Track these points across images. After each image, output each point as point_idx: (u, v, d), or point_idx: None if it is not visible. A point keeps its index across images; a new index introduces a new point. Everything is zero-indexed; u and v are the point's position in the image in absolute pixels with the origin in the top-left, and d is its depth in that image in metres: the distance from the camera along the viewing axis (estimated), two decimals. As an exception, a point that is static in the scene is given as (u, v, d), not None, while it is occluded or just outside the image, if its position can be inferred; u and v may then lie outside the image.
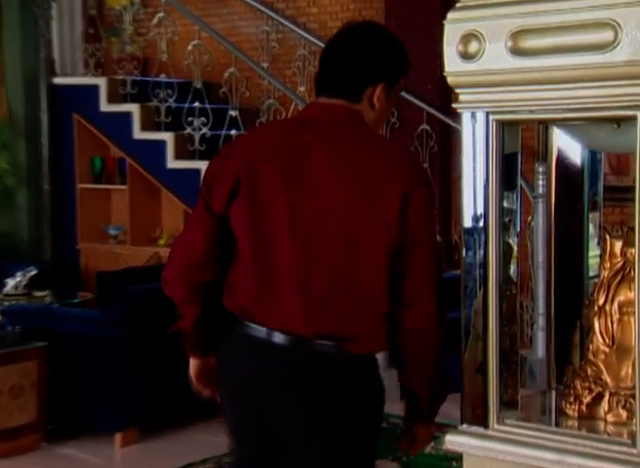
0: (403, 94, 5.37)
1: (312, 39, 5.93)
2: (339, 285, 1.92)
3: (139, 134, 6.04)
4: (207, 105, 5.93)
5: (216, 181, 2.00)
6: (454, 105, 1.72)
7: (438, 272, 1.97)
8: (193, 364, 2.16)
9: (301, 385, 1.95)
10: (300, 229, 1.93)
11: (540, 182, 1.96)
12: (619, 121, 1.64)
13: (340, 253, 1.92)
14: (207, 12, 6.74)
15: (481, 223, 1.72)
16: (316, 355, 1.93)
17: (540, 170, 1.94)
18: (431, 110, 5.24)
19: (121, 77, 6.12)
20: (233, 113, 5.85)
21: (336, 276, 1.93)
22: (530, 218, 2.60)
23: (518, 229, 1.78)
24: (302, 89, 5.97)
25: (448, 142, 5.58)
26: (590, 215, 1.95)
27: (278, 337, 1.94)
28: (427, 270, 1.94)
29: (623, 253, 1.69)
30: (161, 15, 6.09)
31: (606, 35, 1.50)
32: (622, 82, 1.51)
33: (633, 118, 1.53)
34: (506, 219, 1.75)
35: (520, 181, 1.79)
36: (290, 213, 1.93)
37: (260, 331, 1.96)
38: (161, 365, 4.09)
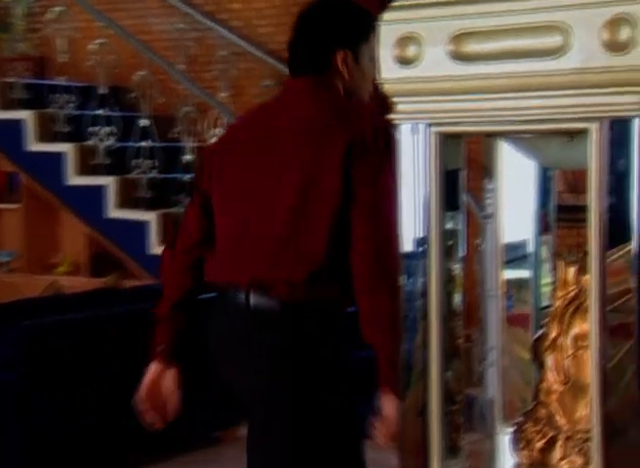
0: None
1: (235, 38, 5.96)
2: (284, 244, 2.43)
3: (33, 145, 5.97)
4: (114, 113, 5.89)
5: (205, 162, 2.62)
6: (390, 116, 1.75)
7: (384, 243, 2.33)
8: (149, 374, 2.53)
9: (244, 342, 2.46)
10: (251, 196, 2.49)
11: (489, 201, 2.00)
12: (571, 134, 1.68)
13: (290, 222, 2.43)
14: (113, 6, 6.72)
15: (422, 247, 1.75)
16: (255, 309, 2.43)
17: (489, 187, 1.98)
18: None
19: (11, 79, 6.05)
20: (144, 122, 5.83)
21: (282, 242, 2.43)
22: (478, 241, 2.64)
23: (463, 253, 1.81)
24: (224, 94, 5.99)
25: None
26: (543, 238, 2.00)
27: (232, 295, 2.47)
28: (364, 233, 2.34)
29: (578, 281, 1.73)
30: (59, 8, 6.05)
31: (555, 40, 1.54)
32: (573, 91, 1.56)
33: (585, 131, 1.58)
34: (450, 243, 1.78)
35: (466, 200, 1.82)
36: (246, 190, 2.50)
37: (219, 288, 2.53)
38: (66, 408, 4.03)
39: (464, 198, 1.83)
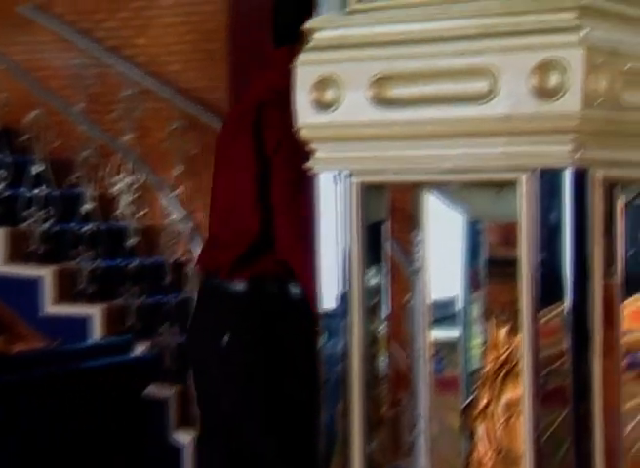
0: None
1: (140, 76, 5.97)
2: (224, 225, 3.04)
3: None
4: (3, 157, 5.83)
5: None
6: (308, 164, 1.78)
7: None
8: None
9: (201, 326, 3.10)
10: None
11: (417, 255, 2.03)
12: (500, 185, 1.72)
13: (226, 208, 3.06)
14: (3, 39, 6.66)
15: (342, 306, 1.76)
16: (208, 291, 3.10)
17: (416, 241, 2.02)
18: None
19: None
20: (38, 167, 5.77)
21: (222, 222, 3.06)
22: (406, 298, 2.66)
23: (388, 312, 1.83)
24: (128, 137, 5.98)
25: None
26: (473, 295, 2.03)
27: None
28: (280, 199, 2.88)
29: (510, 342, 1.76)
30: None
31: (481, 85, 1.59)
32: (501, 139, 1.60)
33: (515, 182, 1.62)
34: (374, 301, 1.80)
35: (392, 254, 1.85)
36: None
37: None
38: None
39: (390, 252, 1.85)
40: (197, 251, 4.70)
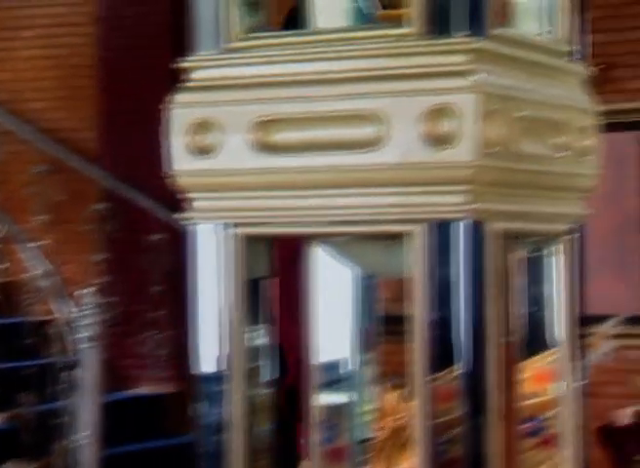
0: (127, 193, 5.45)
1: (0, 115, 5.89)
2: None
3: None
4: None
5: None
6: (184, 215, 1.78)
7: None
8: None
9: None
10: None
11: (305, 313, 2.04)
12: (392, 237, 1.75)
13: None
14: None
15: (221, 369, 1.75)
16: None
17: (304, 297, 2.03)
18: (165, 216, 5.31)
19: None
20: None
21: None
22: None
23: (275, 374, 1.83)
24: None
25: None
26: (365, 356, 2.05)
27: None
28: None
29: (402, 408, 1.78)
30: None
31: (369, 131, 1.61)
32: (392, 189, 1.63)
33: (407, 234, 1.65)
34: (257, 363, 1.80)
35: (278, 312, 1.86)
36: None
37: None
38: None
39: (275, 309, 1.85)
40: (64, 308, 4.63)
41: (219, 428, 1.74)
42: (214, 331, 1.78)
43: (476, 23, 1.60)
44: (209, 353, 1.79)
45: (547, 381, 1.90)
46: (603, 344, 4.95)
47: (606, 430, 4.76)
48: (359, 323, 2.07)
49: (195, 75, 1.75)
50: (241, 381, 1.76)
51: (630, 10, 5.52)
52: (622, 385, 5.23)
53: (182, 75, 1.75)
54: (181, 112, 1.74)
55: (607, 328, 5.00)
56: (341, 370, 2.09)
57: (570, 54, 1.86)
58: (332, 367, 2.07)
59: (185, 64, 1.76)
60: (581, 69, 1.89)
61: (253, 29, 1.75)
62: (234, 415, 1.75)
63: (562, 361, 1.88)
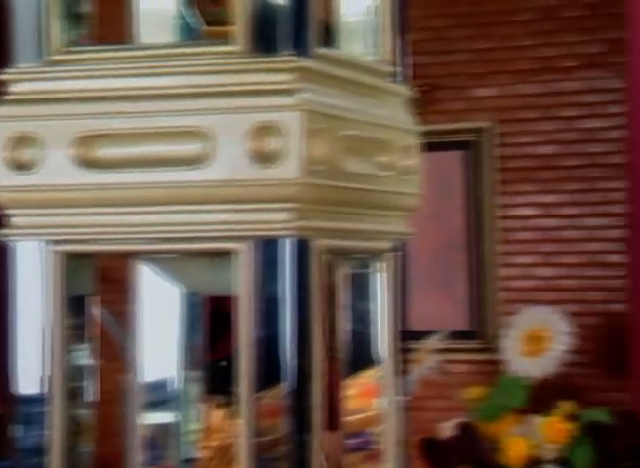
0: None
1: None
2: None
3: None
4: None
5: None
6: (3, 231, 1.73)
7: None
8: None
9: None
10: None
11: (130, 332, 2.02)
12: (218, 255, 1.74)
13: None
14: None
15: (42, 390, 1.71)
16: None
17: (129, 316, 2.00)
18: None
19: None
20: None
21: None
22: (122, 378, 2.63)
23: (97, 395, 1.80)
24: None
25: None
26: (191, 374, 2.03)
27: None
28: None
29: (228, 427, 1.77)
30: None
31: (196, 147, 1.61)
32: (218, 206, 1.63)
33: (233, 252, 1.64)
34: (79, 383, 1.77)
35: (106, 329, 1.83)
36: None
37: None
38: None
39: (98, 328, 1.83)
40: None
41: (38, 451, 1.71)
42: (34, 351, 1.74)
43: (301, 43, 1.61)
44: (29, 373, 1.75)
45: (373, 397, 1.92)
46: (428, 359, 5.05)
47: (428, 443, 4.85)
48: (185, 341, 2.05)
49: (15, 88, 1.71)
50: (62, 402, 1.73)
51: (452, 33, 5.67)
52: (447, 399, 5.34)
53: (1, 88, 1.71)
54: (1, 126, 1.70)
55: (432, 342, 5.10)
56: (168, 389, 2.06)
57: (393, 75, 1.89)
58: (158, 386, 2.04)
59: (4, 77, 1.72)
60: (404, 90, 1.91)
61: (75, 43, 1.72)
62: (54, 438, 1.71)
63: (386, 376, 1.89)
